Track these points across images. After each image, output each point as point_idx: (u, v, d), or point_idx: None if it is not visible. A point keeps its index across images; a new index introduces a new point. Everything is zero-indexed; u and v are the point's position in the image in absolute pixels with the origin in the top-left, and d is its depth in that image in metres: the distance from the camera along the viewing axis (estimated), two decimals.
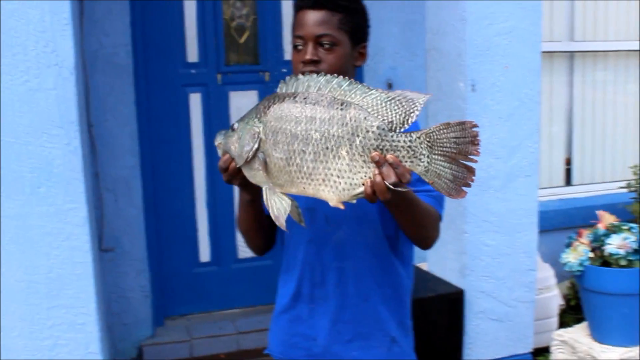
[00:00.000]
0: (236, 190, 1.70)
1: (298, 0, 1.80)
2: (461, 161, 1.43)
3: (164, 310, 4.00)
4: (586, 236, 2.96)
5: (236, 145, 1.54)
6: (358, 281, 1.84)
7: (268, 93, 3.94)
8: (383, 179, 1.42)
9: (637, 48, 4.73)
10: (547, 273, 3.67)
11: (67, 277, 2.57)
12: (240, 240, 4.11)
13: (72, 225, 2.56)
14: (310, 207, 1.82)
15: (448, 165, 1.43)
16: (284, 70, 4.03)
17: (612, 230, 2.94)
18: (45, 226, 2.53)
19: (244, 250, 4.13)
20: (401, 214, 1.64)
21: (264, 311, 4.08)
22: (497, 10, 2.96)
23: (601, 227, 2.97)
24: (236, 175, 1.58)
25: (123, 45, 3.58)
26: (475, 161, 1.43)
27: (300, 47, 1.77)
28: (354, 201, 1.48)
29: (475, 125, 1.43)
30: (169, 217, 3.95)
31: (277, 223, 1.52)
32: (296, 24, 1.79)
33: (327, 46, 1.73)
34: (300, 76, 1.51)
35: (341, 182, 1.46)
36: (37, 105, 2.46)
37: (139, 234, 3.76)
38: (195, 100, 3.94)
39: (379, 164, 1.43)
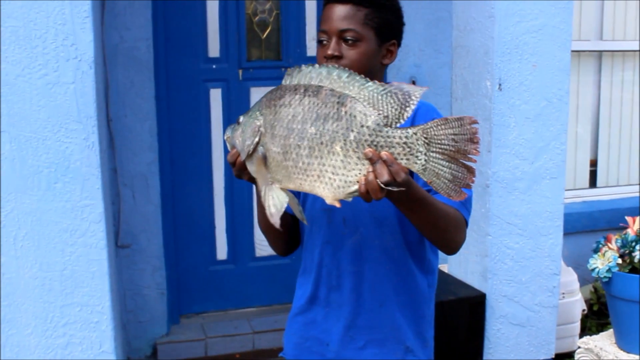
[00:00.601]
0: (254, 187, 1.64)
1: None
2: (461, 160, 1.36)
3: (180, 308, 3.96)
4: (615, 242, 2.87)
5: (240, 138, 1.51)
6: (374, 286, 1.78)
7: None
8: (376, 177, 1.36)
9: None
10: (570, 277, 3.59)
11: (82, 274, 2.53)
12: (258, 238, 4.07)
13: (88, 222, 2.51)
14: (328, 208, 1.77)
15: (447, 164, 1.37)
16: None
17: None
18: (61, 222, 2.49)
19: (261, 248, 4.09)
20: (413, 214, 1.57)
21: (280, 310, 4.05)
22: (527, 7, 2.87)
23: (631, 233, 2.88)
24: (244, 170, 1.54)
25: (144, 39, 3.54)
26: (474, 161, 1.37)
27: (324, 42, 1.72)
28: (350, 199, 1.42)
29: (475, 122, 1.35)
30: (187, 213, 3.91)
31: (271, 221, 1.47)
32: (321, 18, 1.76)
33: (350, 41, 1.69)
34: (304, 67, 1.46)
35: (336, 179, 1.40)
36: (55, 99, 2.41)
37: (156, 231, 3.73)
38: (215, 96, 3.89)
39: (372, 161, 1.36)
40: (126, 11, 3.50)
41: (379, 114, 1.38)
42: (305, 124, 1.41)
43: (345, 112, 1.39)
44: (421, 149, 1.36)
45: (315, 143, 1.40)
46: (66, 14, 2.40)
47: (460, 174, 1.37)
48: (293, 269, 4.13)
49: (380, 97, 1.39)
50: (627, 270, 2.77)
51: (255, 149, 1.47)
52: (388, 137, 1.37)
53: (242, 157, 1.50)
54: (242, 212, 4.02)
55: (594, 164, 4.71)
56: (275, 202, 1.48)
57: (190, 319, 4.01)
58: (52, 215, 2.47)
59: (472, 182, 1.38)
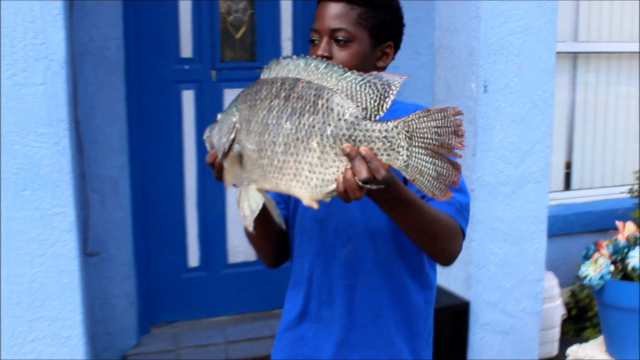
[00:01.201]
0: (236, 194, 1.52)
1: None
2: (445, 155, 1.26)
3: (150, 318, 3.82)
4: (606, 248, 2.83)
5: (216, 137, 1.41)
6: (367, 301, 1.69)
7: None
8: (354, 174, 1.26)
9: (638, 50, 4.63)
10: (550, 282, 3.55)
11: (52, 286, 2.40)
12: (231, 244, 3.95)
13: (59, 231, 2.38)
14: (319, 218, 1.68)
15: (430, 159, 1.26)
16: None
17: (634, 241, 2.80)
18: (30, 232, 2.35)
19: (234, 255, 3.98)
20: (400, 218, 1.47)
21: (255, 319, 3.93)
22: (512, 7, 2.82)
23: (621, 238, 2.83)
24: (223, 171, 1.43)
25: (114, 39, 3.39)
26: (460, 156, 1.27)
27: (316, 41, 1.63)
28: (328, 200, 1.32)
29: (459, 113, 1.25)
30: (158, 219, 3.77)
31: (244, 224, 1.38)
32: (315, 16, 1.66)
33: (341, 42, 1.60)
34: (282, 60, 1.37)
35: (313, 177, 1.31)
36: (23, 101, 2.28)
37: (126, 238, 3.58)
38: (188, 98, 3.76)
39: (350, 157, 1.26)
40: (96, 9, 3.35)
41: (358, 106, 1.28)
42: (281, 119, 1.32)
43: (322, 105, 1.29)
44: (403, 144, 1.26)
45: (290, 139, 1.31)
46: (36, 11, 2.27)
47: (445, 171, 1.27)
48: (267, 276, 4.04)
49: (358, 88, 1.29)
50: (619, 277, 2.73)
51: (231, 147, 1.38)
52: (367, 131, 1.27)
53: (219, 156, 1.41)
54: (214, 218, 3.89)
55: (568, 166, 4.69)
56: (250, 204, 1.38)
57: (161, 328, 3.87)
58: (20, 224, 2.33)
59: (458, 179, 1.28)
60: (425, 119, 1.25)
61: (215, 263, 3.94)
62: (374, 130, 1.27)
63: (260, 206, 1.38)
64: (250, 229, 1.37)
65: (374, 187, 1.27)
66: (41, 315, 2.38)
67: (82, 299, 2.43)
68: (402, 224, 1.49)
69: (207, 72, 3.79)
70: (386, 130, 1.26)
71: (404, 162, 1.27)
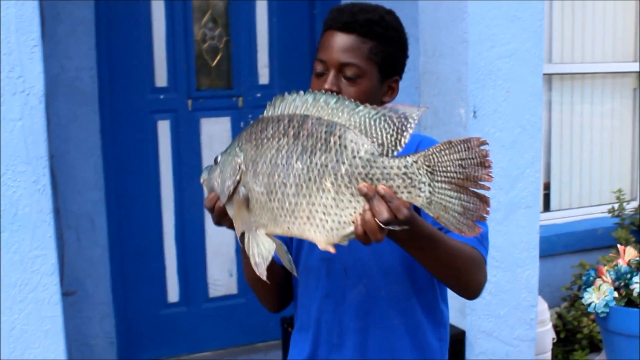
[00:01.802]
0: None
1: (327, 19, 1.57)
2: (471, 189, 1.18)
3: (130, 356, 3.67)
4: (607, 274, 2.78)
5: (218, 180, 1.32)
6: (382, 344, 1.60)
7: (242, 119, 3.79)
8: (374, 215, 1.17)
9: (615, 70, 4.66)
10: (541, 306, 3.50)
11: (34, 333, 2.26)
12: (211, 277, 3.84)
13: (40, 275, 2.25)
14: (327, 258, 1.58)
15: (455, 194, 1.18)
16: (259, 95, 3.78)
17: (637, 267, 2.76)
18: (9, 276, 2.22)
19: (214, 289, 3.86)
20: (423, 255, 1.39)
21: (237, 353, 3.83)
22: (499, 31, 2.79)
23: (622, 263, 2.79)
24: (225, 215, 1.34)
25: (87, 69, 3.28)
26: (488, 188, 1.18)
27: (320, 72, 1.54)
28: (346, 243, 1.23)
29: (484, 143, 1.17)
30: (135, 255, 3.63)
31: (257, 272, 1.28)
32: (320, 45, 1.56)
33: (350, 77, 1.50)
34: (287, 95, 1.28)
35: (328, 220, 1.22)
36: (0, 137, 2.15)
37: (104, 275, 3.45)
38: (164, 128, 3.65)
39: (368, 197, 1.18)
40: (68, 39, 3.24)
41: (373, 142, 1.20)
42: (291, 159, 1.23)
43: (335, 143, 1.21)
44: (424, 179, 1.18)
45: (302, 180, 1.23)
46: (12, 42, 2.16)
47: (472, 205, 1.19)
48: (249, 309, 3.93)
49: (372, 123, 1.21)
50: (623, 304, 2.68)
51: (235, 190, 1.29)
52: (384, 167, 1.19)
53: (222, 200, 1.31)
54: (193, 252, 3.77)
55: (547, 187, 4.68)
56: (261, 251, 1.29)
57: None
58: None
59: (487, 213, 1.20)
60: (447, 151, 1.18)
61: (196, 298, 3.82)
62: (392, 167, 1.19)
63: (273, 252, 1.29)
64: (264, 277, 1.27)
65: (397, 228, 1.19)
66: None
67: (65, 345, 2.29)
68: (423, 260, 1.41)
69: (183, 101, 3.69)
70: (405, 167, 1.19)
71: (427, 199, 1.19)
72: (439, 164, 1.18)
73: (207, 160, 3.72)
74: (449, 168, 1.17)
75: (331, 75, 1.51)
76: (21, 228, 2.20)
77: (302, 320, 1.68)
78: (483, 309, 2.94)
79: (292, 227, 1.25)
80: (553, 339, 3.62)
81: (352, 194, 1.20)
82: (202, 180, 1.39)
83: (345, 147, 1.20)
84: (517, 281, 3.00)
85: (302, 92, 1.27)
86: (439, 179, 1.18)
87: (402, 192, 1.19)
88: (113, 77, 3.46)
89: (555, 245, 4.36)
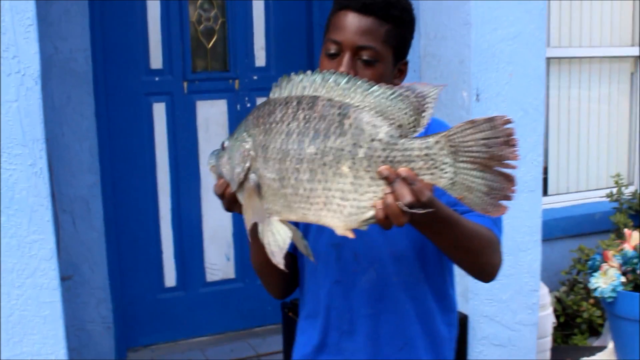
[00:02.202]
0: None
1: None
2: (496, 168, 1.15)
3: (127, 342, 3.64)
4: (614, 258, 2.76)
5: (227, 166, 1.28)
6: (393, 330, 1.57)
7: (238, 102, 3.74)
8: (396, 199, 1.14)
9: (613, 54, 4.63)
10: (542, 291, 3.48)
11: (32, 320, 2.21)
12: (208, 262, 3.80)
13: (38, 259, 2.20)
14: (336, 243, 1.55)
15: (480, 174, 1.15)
16: (255, 77, 3.73)
17: None
18: (6, 261, 2.17)
19: (212, 273, 3.83)
20: (440, 238, 1.35)
21: (235, 338, 3.81)
22: (502, 13, 2.74)
23: (629, 248, 2.77)
24: (236, 202, 1.30)
25: (82, 50, 3.21)
26: (514, 167, 1.15)
27: (333, 53, 1.47)
28: (365, 228, 1.20)
29: (508, 121, 1.14)
30: (132, 239, 3.60)
31: (273, 261, 1.24)
32: (334, 24, 1.49)
33: (367, 61, 1.45)
34: (294, 76, 1.23)
35: (346, 205, 1.18)
36: None
37: (100, 260, 3.40)
38: (159, 111, 3.60)
39: (389, 179, 1.14)
40: (61, 19, 3.17)
41: (391, 124, 1.16)
42: (303, 143, 1.19)
43: (350, 125, 1.17)
44: (447, 160, 1.15)
45: (316, 165, 1.18)
46: (6, 21, 2.10)
47: (497, 184, 1.15)
48: (247, 293, 3.90)
49: (389, 103, 1.17)
50: (630, 288, 2.66)
51: (246, 177, 1.25)
52: (405, 149, 1.15)
53: (233, 187, 1.28)
54: (190, 235, 3.74)
55: (544, 171, 4.65)
56: (277, 239, 1.24)
57: (139, 352, 3.69)
58: None
59: (513, 192, 1.16)
60: (470, 130, 1.14)
61: (193, 282, 3.79)
62: (413, 149, 1.15)
63: (289, 240, 1.24)
64: (281, 266, 1.23)
65: (420, 211, 1.15)
66: (21, 351, 2.20)
67: (65, 332, 2.25)
68: (440, 243, 1.38)
69: (178, 83, 3.64)
70: (427, 147, 1.15)
71: (450, 180, 1.16)
72: (462, 144, 1.14)
73: (203, 143, 3.67)
74: (472, 148, 1.14)
75: (347, 57, 1.45)
76: (18, 212, 2.15)
77: (310, 306, 1.64)
78: (485, 294, 2.92)
79: (308, 213, 1.21)
80: (553, 323, 3.61)
81: (371, 178, 1.16)
82: (209, 167, 1.35)
83: (362, 129, 1.16)
84: (519, 265, 2.98)
85: (309, 72, 1.23)
86: (463, 159, 1.14)
87: (425, 174, 1.15)
88: (107, 58, 3.40)
89: (553, 230, 4.33)
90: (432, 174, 1.15)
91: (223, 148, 1.32)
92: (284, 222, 1.25)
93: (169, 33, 3.57)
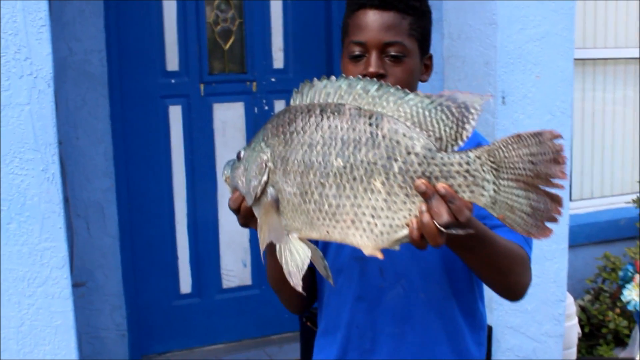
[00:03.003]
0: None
1: None
2: (541, 187, 1.06)
3: (142, 349, 3.58)
4: None
5: (243, 179, 1.20)
6: (419, 350, 1.48)
7: (256, 105, 3.66)
8: (433, 217, 1.05)
9: (638, 55, 4.51)
10: (567, 301, 3.38)
11: (44, 329, 2.15)
12: (224, 268, 3.73)
13: (50, 268, 2.13)
14: (360, 257, 1.46)
15: (523, 193, 1.06)
16: (273, 79, 3.66)
17: None
18: (17, 269, 2.10)
19: (228, 279, 3.76)
20: (472, 256, 1.27)
21: (251, 346, 3.73)
22: (529, 13, 2.64)
23: None
24: (252, 217, 1.22)
25: (96, 51, 3.15)
26: (561, 187, 1.06)
27: (358, 54, 1.40)
28: (397, 248, 1.11)
29: (558, 136, 1.06)
30: (147, 245, 3.53)
31: (290, 282, 1.15)
32: (353, 26, 1.42)
33: (394, 57, 1.38)
34: (317, 82, 1.15)
35: (377, 223, 1.10)
36: (7, 123, 2.03)
37: (114, 266, 3.33)
38: (175, 114, 3.53)
39: (426, 196, 1.05)
40: (75, 20, 3.10)
41: (429, 136, 1.07)
42: (329, 156, 1.11)
43: (384, 137, 1.08)
44: (488, 177, 1.06)
45: (345, 179, 1.10)
46: (18, 22, 2.03)
47: (542, 205, 1.06)
48: (264, 300, 3.82)
49: (427, 114, 1.08)
50: None
51: (264, 191, 1.17)
52: (444, 164, 1.06)
53: (249, 201, 1.19)
54: (206, 241, 3.66)
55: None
56: (295, 258, 1.16)
57: None
58: (6, 262, 2.08)
59: (560, 213, 1.07)
60: (515, 145, 1.05)
61: (209, 288, 3.73)
62: (452, 164, 1.06)
63: (308, 260, 1.16)
64: (299, 288, 1.15)
65: (459, 232, 1.06)
66: None
67: (77, 342, 2.18)
68: (471, 261, 1.29)
69: (195, 85, 3.57)
70: (467, 163, 1.06)
71: (491, 198, 1.07)
72: (506, 160, 1.05)
73: (219, 146, 3.60)
74: (517, 164, 1.05)
75: (374, 56, 1.38)
76: (30, 219, 2.09)
77: (330, 322, 1.56)
78: (510, 304, 2.82)
79: (333, 231, 1.13)
80: (579, 333, 3.50)
81: (406, 195, 1.08)
82: (224, 178, 1.27)
83: (398, 142, 1.08)
84: (545, 275, 2.88)
85: (333, 78, 1.14)
86: (506, 176, 1.06)
87: (464, 192, 1.07)
88: (123, 60, 3.34)
89: (576, 236, 4.21)
90: (472, 191, 1.07)
91: (239, 158, 1.24)
92: (302, 240, 1.17)
93: (186, 34, 3.51)
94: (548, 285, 2.88)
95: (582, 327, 3.77)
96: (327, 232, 1.13)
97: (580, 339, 3.78)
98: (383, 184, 1.08)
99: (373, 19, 1.39)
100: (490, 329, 2.80)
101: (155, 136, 3.49)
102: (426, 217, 1.05)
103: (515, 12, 2.62)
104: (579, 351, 3.72)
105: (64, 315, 2.16)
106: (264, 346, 3.70)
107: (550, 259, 2.87)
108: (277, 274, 1.39)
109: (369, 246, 1.11)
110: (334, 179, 1.11)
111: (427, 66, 1.48)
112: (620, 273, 2.75)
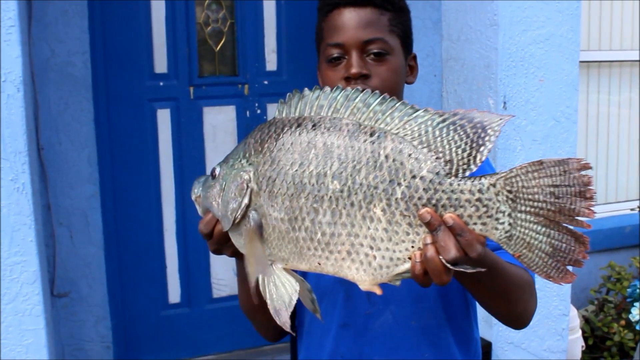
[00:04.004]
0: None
1: None
2: (564, 225, 0.94)
3: None
4: None
5: (218, 200, 1.06)
6: None
7: (247, 108, 3.52)
8: (439, 252, 0.93)
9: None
10: (570, 313, 3.25)
11: (14, 348, 2.02)
12: (215, 277, 3.61)
13: (20, 284, 2.01)
14: (344, 280, 1.34)
15: (543, 229, 0.94)
16: (266, 82, 3.53)
17: None
18: None
19: (219, 289, 3.64)
20: (475, 286, 1.16)
21: (241, 357, 3.64)
22: (532, 14, 2.52)
23: None
24: (226, 243, 1.10)
25: (80, 53, 3.04)
26: (588, 226, 0.94)
27: (336, 57, 1.29)
28: (398, 283, 1.00)
29: (586, 167, 0.94)
30: (133, 253, 3.41)
31: (277, 321, 1.02)
32: (329, 28, 1.32)
33: (376, 55, 1.27)
34: (307, 92, 1.02)
35: (376, 255, 0.98)
36: None
37: (99, 276, 3.22)
38: (164, 117, 3.41)
39: (432, 227, 0.93)
40: (58, 21, 2.99)
41: (438, 158, 0.95)
42: (323, 177, 0.98)
43: (387, 157, 0.96)
44: (503, 208, 0.94)
45: (341, 205, 0.97)
46: None
47: (564, 245, 0.94)
48: None
49: (437, 133, 0.96)
50: None
51: (244, 215, 1.04)
52: (453, 192, 0.94)
53: (225, 226, 1.06)
54: (196, 250, 3.55)
55: None
56: (282, 293, 1.03)
57: None
58: None
59: (585, 257, 0.95)
60: (535, 174, 0.93)
61: (199, 298, 3.62)
62: (462, 191, 0.94)
63: (296, 295, 1.03)
64: (287, 327, 1.02)
65: (468, 270, 0.94)
66: None
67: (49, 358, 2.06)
68: (479, 293, 1.19)
69: (184, 88, 3.44)
70: (480, 191, 0.94)
71: (506, 232, 0.95)
72: (524, 190, 0.93)
73: (210, 151, 3.48)
74: (537, 196, 0.93)
75: (355, 56, 1.28)
76: None
77: (311, 352, 1.43)
78: None
79: (326, 263, 1.01)
80: (582, 346, 3.37)
81: (409, 224, 0.96)
82: (193, 197, 1.14)
83: (402, 163, 0.96)
84: (548, 288, 2.75)
85: (328, 88, 1.01)
86: (523, 208, 0.94)
87: (475, 223, 0.95)
88: (108, 62, 3.24)
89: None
90: (484, 223, 0.95)
91: (213, 176, 1.10)
92: (288, 271, 1.05)
93: (175, 35, 3.39)
94: (551, 299, 2.75)
95: (585, 339, 3.64)
96: (319, 263, 1.02)
97: (583, 352, 3.65)
98: (384, 211, 0.97)
99: (349, 17, 1.29)
100: (489, 345, 2.67)
101: (142, 141, 3.37)
102: (431, 251, 0.93)
103: (518, 13, 2.49)
104: None
105: (36, 333, 2.03)
106: (255, 357, 3.59)
107: None
108: (250, 302, 1.27)
109: (366, 281, 1.00)
110: (329, 204, 0.99)
111: (412, 67, 1.39)
112: (629, 290, 2.62)
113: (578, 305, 3.84)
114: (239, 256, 1.14)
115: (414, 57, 1.39)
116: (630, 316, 2.54)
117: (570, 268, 0.96)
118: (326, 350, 1.38)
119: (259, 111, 3.53)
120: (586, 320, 3.74)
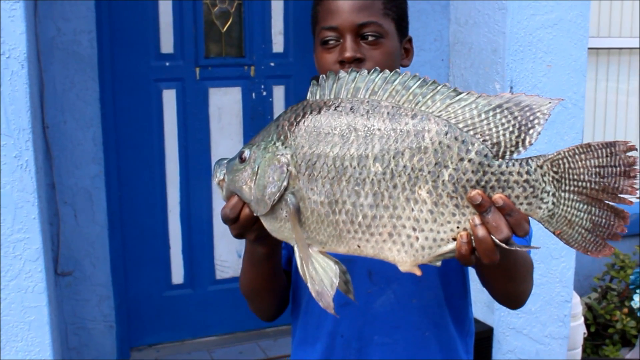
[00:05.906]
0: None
1: None
2: (606, 202, 0.96)
3: (131, 341, 3.47)
4: None
5: (251, 184, 1.05)
6: None
7: (254, 90, 3.51)
8: (489, 231, 0.93)
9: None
10: (573, 300, 3.24)
11: (16, 326, 2.03)
12: (218, 258, 3.62)
13: (23, 261, 2.01)
14: (346, 258, 1.33)
15: (586, 207, 0.96)
16: (272, 64, 3.51)
17: None
18: None
19: (222, 270, 3.64)
20: (494, 267, 1.15)
21: (244, 338, 3.63)
22: None
23: None
24: (251, 227, 1.08)
25: (86, 32, 3.02)
26: (630, 202, 0.96)
27: (331, 43, 1.30)
28: (439, 264, 1.00)
29: (632, 148, 0.95)
30: (137, 234, 3.41)
31: (320, 304, 1.02)
32: (323, 11, 1.32)
33: (371, 39, 1.28)
34: (343, 74, 1.01)
35: (419, 237, 0.98)
36: None
37: (102, 255, 3.22)
38: (169, 98, 3.40)
39: (482, 208, 0.94)
40: None
41: (485, 141, 0.96)
42: (365, 160, 0.98)
43: (432, 140, 0.96)
44: (548, 189, 0.96)
45: (384, 187, 0.98)
46: None
47: (604, 221, 0.97)
48: None
49: (483, 116, 0.96)
50: None
51: (281, 198, 1.03)
52: (502, 173, 0.96)
53: (261, 210, 1.04)
54: (200, 231, 3.55)
55: None
56: (323, 276, 1.03)
57: (143, 352, 3.52)
58: None
59: (624, 230, 0.97)
60: (583, 156, 0.95)
61: (202, 279, 3.62)
62: (511, 173, 0.96)
63: (338, 279, 1.03)
64: (331, 309, 1.02)
65: (519, 248, 0.96)
66: (2, 359, 2.02)
67: (52, 338, 2.06)
68: (490, 273, 1.18)
69: (190, 69, 3.43)
70: (527, 173, 0.96)
71: (549, 211, 0.97)
72: (570, 171, 0.96)
73: (215, 132, 3.47)
74: (582, 176, 0.96)
75: (349, 40, 1.28)
76: (1, 208, 1.96)
77: (308, 332, 1.43)
78: None
79: (366, 245, 1.01)
80: (584, 334, 3.37)
81: (455, 205, 0.97)
82: (216, 181, 1.11)
83: (448, 146, 0.96)
84: (550, 274, 2.74)
85: (365, 71, 1.01)
86: (568, 188, 0.96)
87: (522, 203, 0.96)
88: (114, 41, 3.22)
89: None
90: (529, 203, 0.97)
91: (242, 159, 1.08)
92: (324, 253, 1.05)
93: (181, 15, 3.38)
94: (553, 285, 2.74)
95: (588, 326, 3.64)
96: (358, 246, 1.02)
97: (585, 339, 3.65)
98: (429, 193, 0.97)
99: (342, 1, 1.29)
100: (490, 330, 2.67)
101: (147, 121, 3.37)
102: (482, 231, 0.94)
103: None
104: (584, 351, 3.59)
105: (38, 310, 2.04)
106: (257, 339, 3.59)
107: (556, 258, 2.73)
108: (257, 284, 1.28)
109: (407, 262, 1.00)
110: (371, 187, 0.99)
111: (407, 50, 1.39)
112: (631, 277, 2.62)
113: (581, 293, 3.84)
114: (261, 241, 1.13)
115: (410, 40, 1.39)
116: (632, 304, 2.53)
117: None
118: (325, 329, 1.38)
119: (264, 93, 3.51)
120: (589, 308, 3.73)
